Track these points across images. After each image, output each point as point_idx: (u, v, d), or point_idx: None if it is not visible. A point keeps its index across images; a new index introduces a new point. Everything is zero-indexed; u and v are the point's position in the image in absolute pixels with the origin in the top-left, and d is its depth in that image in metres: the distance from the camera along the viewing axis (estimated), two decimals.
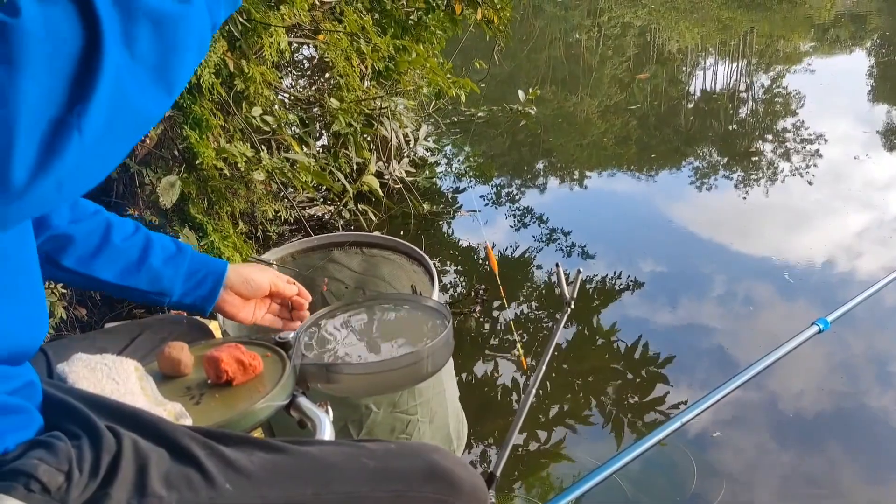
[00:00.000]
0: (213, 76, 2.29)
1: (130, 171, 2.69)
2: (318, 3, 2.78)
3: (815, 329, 1.68)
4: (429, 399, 1.20)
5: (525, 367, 2.34)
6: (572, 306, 1.10)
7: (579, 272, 1.22)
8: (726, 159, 5.37)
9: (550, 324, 3.12)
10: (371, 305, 1.03)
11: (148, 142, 2.47)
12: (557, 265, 1.23)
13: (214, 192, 2.42)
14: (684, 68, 9.20)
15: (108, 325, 2.30)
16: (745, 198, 4.64)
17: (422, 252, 1.32)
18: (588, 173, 5.29)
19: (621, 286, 3.51)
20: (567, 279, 1.28)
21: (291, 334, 0.95)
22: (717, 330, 3.14)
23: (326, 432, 0.84)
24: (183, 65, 0.63)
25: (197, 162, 2.33)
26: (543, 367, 1.20)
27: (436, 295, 1.20)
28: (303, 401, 0.89)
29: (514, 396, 2.74)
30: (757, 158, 5.35)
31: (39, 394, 0.78)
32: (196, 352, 0.95)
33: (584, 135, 6.33)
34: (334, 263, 1.40)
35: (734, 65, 9.39)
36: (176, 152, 2.52)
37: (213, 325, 1.35)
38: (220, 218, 2.53)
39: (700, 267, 3.72)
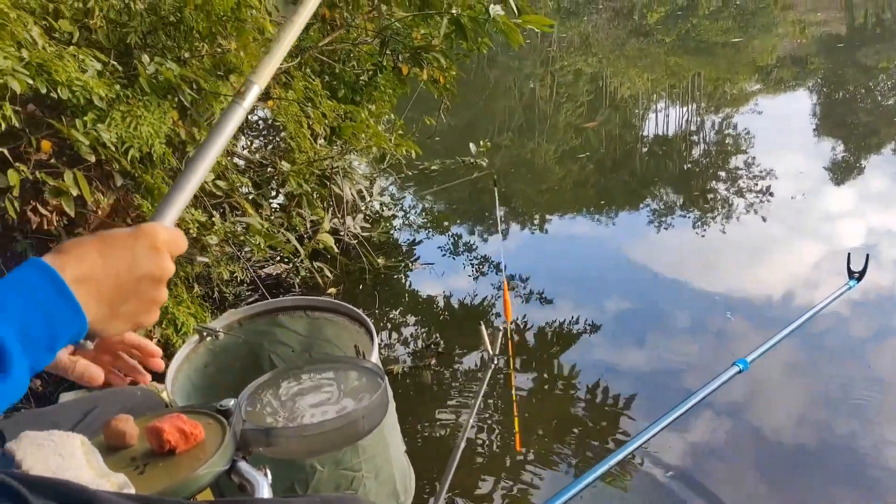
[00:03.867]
0: (163, 146, 2.35)
1: None
2: None
3: (735, 370, 1.76)
4: (373, 455, 1.24)
5: (519, 448, 2.37)
6: (496, 362, 1.16)
7: (500, 330, 1.28)
8: (682, 199, 5.55)
9: (502, 372, 3.18)
10: (310, 369, 1.08)
11: (100, 212, 2.50)
12: (481, 324, 1.29)
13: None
14: (637, 112, 9.51)
15: (63, 397, 2.29)
16: (702, 236, 4.79)
17: (361, 313, 1.37)
18: (548, 217, 5.41)
19: (579, 329, 3.59)
20: (496, 332, 1.33)
21: (233, 402, 0.99)
22: (674, 366, 3.22)
23: (264, 494, 0.88)
24: None
25: None
26: (471, 420, 1.25)
27: (375, 355, 1.25)
28: (242, 465, 0.93)
29: (478, 448, 2.77)
30: (711, 197, 5.53)
31: None
32: (140, 423, 0.98)
33: (542, 180, 6.48)
34: (280, 327, 1.45)
35: (684, 108, 9.73)
36: (129, 221, 2.55)
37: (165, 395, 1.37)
38: (174, 283, 2.55)
39: (657, 306, 3.82)
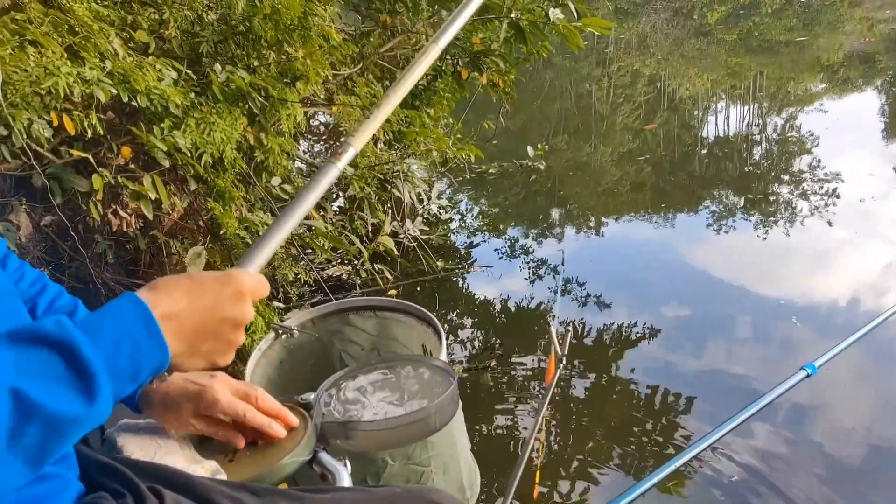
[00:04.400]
0: (234, 151, 2.44)
1: (158, 241, 2.83)
2: (330, 77, 2.95)
3: (802, 374, 1.74)
4: (441, 451, 1.28)
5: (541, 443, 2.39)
6: (563, 362, 1.18)
7: (568, 331, 1.30)
8: (743, 202, 5.44)
9: (561, 374, 3.19)
10: (384, 367, 1.12)
11: (174, 214, 2.61)
12: (549, 324, 1.32)
13: (238, 259, 2.55)
14: (696, 113, 9.35)
15: None
16: (764, 239, 4.70)
17: (430, 313, 1.41)
18: (604, 220, 5.38)
19: (638, 334, 3.56)
20: (566, 333, 1.35)
21: (312, 395, 1.04)
22: (735, 372, 3.17)
23: (346, 483, 0.93)
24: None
25: (221, 232, 2.46)
26: (540, 421, 1.28)
27: (443, 354, 1.29)
28: (323, 456, 0.98)
29: (535, 445, 2.79)
30: (774, 199, 5.41)
31: (75, 461, 0.86)
32: None
33: (598, 183, 6.44)
34: (350, 327, 1.50)
35: (746, 108, 9.52)
36: (201, 223, 2.66)
37: None
38: None
39: (717, 311, 3.77)
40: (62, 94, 1.93)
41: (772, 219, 5.06)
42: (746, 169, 6.62)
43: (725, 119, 9.03)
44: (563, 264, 2.47)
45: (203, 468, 0.90)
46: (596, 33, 3.25)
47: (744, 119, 8.97)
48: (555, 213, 5.56)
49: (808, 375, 1.74)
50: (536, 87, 10.93)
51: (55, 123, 2.13)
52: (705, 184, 6.14)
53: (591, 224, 5.35)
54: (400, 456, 1.24)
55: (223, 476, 0.90)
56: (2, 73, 1.81)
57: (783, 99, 9.52)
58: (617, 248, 4.87)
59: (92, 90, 1.96)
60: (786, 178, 5.97)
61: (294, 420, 0.99)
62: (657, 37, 14.90)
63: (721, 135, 8.20)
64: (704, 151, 7.46)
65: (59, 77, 1.91)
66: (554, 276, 4.25)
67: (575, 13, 3.23)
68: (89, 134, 2.08)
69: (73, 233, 2.55)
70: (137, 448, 0.92)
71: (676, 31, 15.35)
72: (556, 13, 3.03)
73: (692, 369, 3.24)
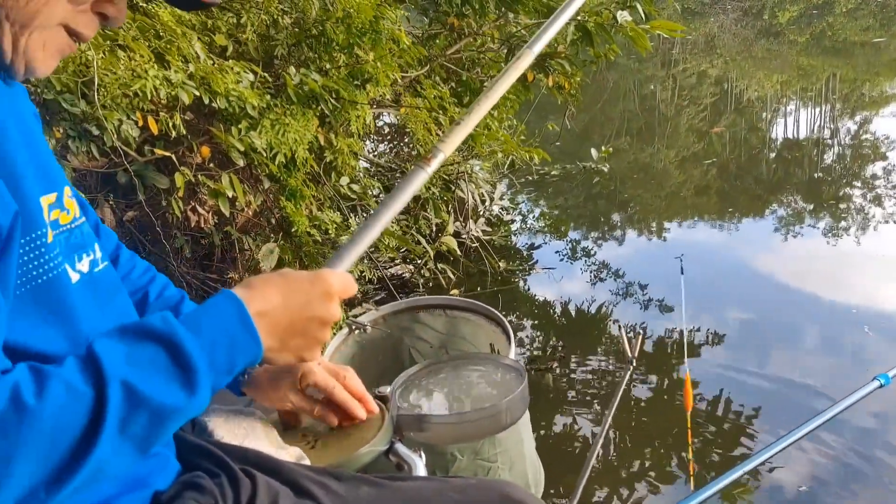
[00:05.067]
0: (306, 151, 2.53)
1: (231, 237, 2.94)
2: (399, 79, 3.01)
3: (875, 384, 1.70)
4: (508, 448, 1.31)
5: (692, 473, 2.37)
6: (634, 364, 1.19)
7: (640, 335, 1.31)
8: (812, 207, 5.30)
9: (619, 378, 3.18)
10: (455, 364, 1.16)
11: (248, 211, 2.71)
12: (620, 327, 1.33)
13: (307, 256, 2.63)
14: (764, 115, 9.12)
15: None
16: (834, 245, 4.57)
17: (499, 313, 1.45)
18: (666, 224, 5.31)
19: (701, 339, 3.52)
20: (637, 336, 1.36)
21: (388, 388, 1.09)
22: (802, 383, 3.10)
23: (420, 473, 0.98)
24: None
25: (292, 230, 2.55)
26: (608, 422, 1.29)
27: (512, 353, 1.32)
28: (399, 447, 1.03)
29: (598, 449, 2.78)
30: (845, 205, 5.24)
31: (172, 442, 0.93)
32: None
33: (661, 186, 6.36)
34: (420, 324, 1.55)
35: (817, 111, 9.24)
36: (272, 220, 2.76)
37: None
38: None
39: (784, 318, 3.68)
40: (149, 96, 2.04)
41: (842, 225, 4.90)
42: (817, 174, 6.42)
43: (795, 122, 8.78)
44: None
45: (288, 453, 0.95)
46: (661, 34, 3.22)
47: (815, 122, 8.71)
48: (616, 216, 5.51)
49: (881, 386, 1.70)
50: (599, 87, 10.82)
51: (140, 123, 2.25)
52: (773, 188, 5.99)
53: (654, 227, 5.29)
54: (468, 451, 1.27)
55: (307, 461, 0.95)
56: (96, 76, 1.92)
57: (857, 101, 9.19)
58: (680, 252, 4.80)
59: (176, 92, 2.06)
60: (858, 183, 5.78)
61: (374, 407, 1.04)
62: (725, 37, 14.56)
63: (790, 138, 7.98)
64: (773, 155, 7.27)
65: (146, 80, 2.01)
66: (615, 279, 4.22)
67: (643, 15, 3.21)
68: (173, 134, 2.19)
69: (153, 228, 2.68)
70: (226, 432, 0.98)
71: (745, 31, 14.96)
72: (623, 16, 3.02)
73: (757, 376, 3.17)
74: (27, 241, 0.72)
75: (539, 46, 1.14)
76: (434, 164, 1.02)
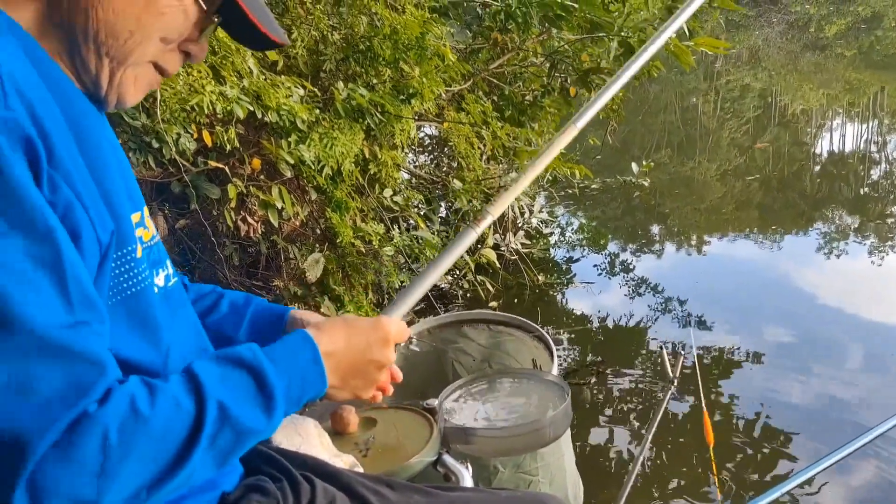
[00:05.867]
0: (352, 164, 2.59)
1: (277, 246, 3.02)
2: (443, 93, 3.07)
3: None
4: (549, 463, 1.34)
5: (720, 489, 2.37)
6: (675, 384, 1.22)
7: (681, 356, 1.33)
8: (857, 224, 5.21)
9: (658, 394, 3.17)
10: (499, 378, 1.20)
11: (294, 221, 2.79)
12: (661, 348, 1.36)
13: (351, 266, 2.70)
14: (809, 130, 8.98)
15: None
16: (879, 265, 4.49)
17: (542, 329, 1.48)
18: (706, 238, 5.27)
19: (741, 357, 3.49)
20: (678, 355, 1.38)
21: (436, 401, 1.14)
22: (844, 403, 3.06)
23: (467, 483, 1.02)
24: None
25: (337, 240, 2.62)
26: (648, 441, 1.32)
27: (555, 369, 1.35)
28: (447, 458, 1.07)
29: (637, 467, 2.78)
30: (893, 222, 5.14)
31: None
32: (360, 414, 1.15)
33: (701, 199, 6.31)
34: (464, 338, 1.59)
35: (864, 126, 9.06)
36: (318, 230, 2.83)
37: None
38: (355, 289, 2.79)
39: (828, 337, 3.63)
40: (205, 111, 2.12)
41: (889, 244, 4.81)
42: (863, 190, 6.31)
43: (841, 137, 8.63)
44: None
45: (342, 460, 1.00)
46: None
47: (861, 137, 8.55)
48: (655, 229, 5.49)
49: None
50: (640, 99, 10.75)
51: (195, 136, 2.34)
52: (817, 204, 5.90)
53: (693, 241, 5.26)
54: (511, 463, 1.31)
55: (360, 469, 1.00)
56: (158, 91, 2.01)
57: None
58: (720, 268, 4.76)
59: (231, 107, 2.14)
60: None
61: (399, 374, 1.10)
62: (770, 50, 14.37)
63: (836, 153, 7.85)
64: (817, 169, 7.17)
65: (203, 95, 2.10)
66: (654, 294, 4.21)
67: (686, 31, 3.21)
68: (228, 147, 2.27)
69: (204, 236, 2.77)
70: (284, 438, 1.04)
71: (791, 44, 14.74)
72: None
73: (797, 396, 3.14)
74: (120, 255, 0.79)
75: (583, 122, 1.21)
76: (483, 225, 1.12)
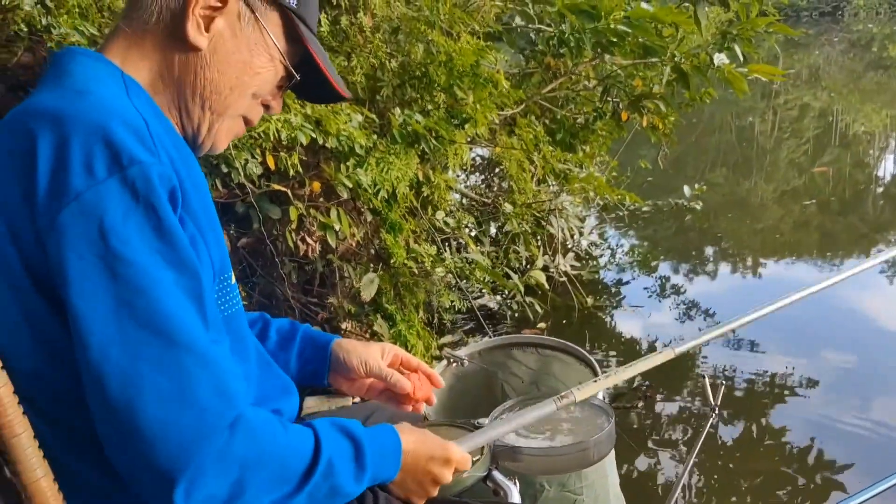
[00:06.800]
0: (406, 188, 2.69)
1: (333, 265, 3.13)
2: (496, 119, 3.14)
3: None
4: (593, 483, 1.39)
5: None
6: (717, 411, 1.25)
7: (721, 383, 1.36)
8: None
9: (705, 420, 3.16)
10: (549, 400, 1.26)
11: (350, 241, 2.89)
12: (704, 376, 1.40)
13: (403, 286, 2.79)
14: (871, 151, 8.76)
15: (307, 401, 2.72)
16: None
17: (588, 355, 1.53)
18: (762, 261, 5.19)
19: (794, 383, 3.44)
20: (717, 384, 1.41)
21: (486, 420, 1.20)
22: None
23: (515, 500, 1.08)
24: None
25: (391, 261, 2.71)
26: (688, 467, 1.35)
27: (600, 394, 1.39)
28: (496, 474, 1.14)
29: (679, 491, 2.77)
30: None
31: None
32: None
33: (758, 220, 6.22)
34: (513, 360, 1.65)
35: None
36: (373, 251, 2.93)
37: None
38: (407, 308, 2.88)
39: (888, 364, 3.55)
40: (271, 137, 2.25)
41: None
42: None
43: None
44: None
45: None
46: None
47: None
48: (709, 251, 5.44)
49: None
50: (695, 118, 10.64)
51: (260, 161, 2.47)
52: (879, 227, 5.76)
53: (749, 264, 5.19)
54: (556, 483, 1.36)
55: None
56: None
57: None
58: (775, 292, 4.67)
59: (295, 134, 2.26)
60: None
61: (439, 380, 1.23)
62: (830, 69, 14.06)
63: None
64: (880, 191, 6.99)
65: (270, 122, 2.22)
66: (704, 318, 4.18)
67: (741, 57, 3.23)
68: (291, 172, 2.39)
69: (264, 254, 2.90)
70: None
71: (853, 63, 14.40)
72: (720, 58, 3.05)
73: (854, 426, 3.08)
74: (221, 280, 0.92)
75: (682, 349, 1.27)
76: (564, 402, 1.18)
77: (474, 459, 1.11)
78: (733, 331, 1.57)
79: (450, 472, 1.04)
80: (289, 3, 0.95)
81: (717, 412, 1.21)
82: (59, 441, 0.83)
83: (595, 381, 1.19)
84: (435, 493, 1.05)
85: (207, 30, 0.90)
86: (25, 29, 2.11)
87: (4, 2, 2.03)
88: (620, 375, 1.22)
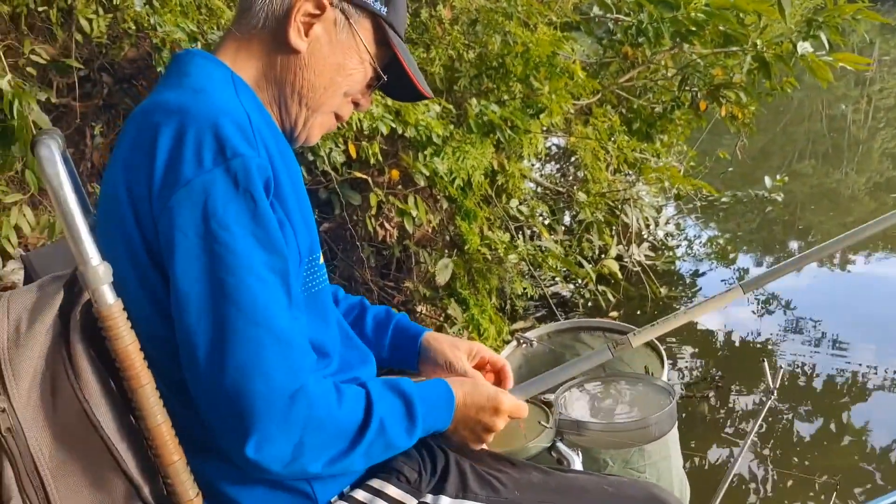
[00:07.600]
0: (481, 176, 2.76)
1: (409, 250, 3.24)
2: (571, 109, 3.18)
3: None
4: (656, 461, 1.43)
5: None
6: (774, 395, 1.27)
7: (780, 368, 1.37)
8: None
9: (784, 416, 3.11)
10: (612, 379, 1.32)
11: (426, 227, 3.00)
12: (763, 360, 1.42)
13: (477, 271, 2.87)
14: None
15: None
16: None
17: (655, 340, 1.57)
18: (851, 256, 5.01)
19: (878, 381, 3.35)
20: (777, 369, 1.41)
21: (553, 396, 1.28)
22: None
23: (578, 468, 1.16)
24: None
25: (465, 247, 2.80)
26: (745, 447, 1.38)
27: (664, 376, 1.44)
28: (560, 445, 1.22)
29: (752, 486, 2.76)
30: None
31: None
32: None
33: (847, 213, 5.98)
34: (580, 343, 1.71)
35: None
36: (448, 237, 3.02)
37: None
38: (480, 293, 2.96)
39: None
40: (353, 128, 2.37)
41: None
42: None
43: None
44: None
45: None
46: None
47: None
48: (793, 244, 5.28)
49: None
50: (782, 105, 10.23)
51: (343, 150, 2.60)
52: None
53: (836, 259, 5.02)
54: (620, 459, 1.42)
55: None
56: None
57: None
58: (863, 288, 4.52)
59: (377, 125, 2.37)
60: None
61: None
62: None
63: None
64: None
65: (354, 113, 2.34)
66: (784, 311, 4.10)
67: (827, 46, 3.14)
68: (371, 161, 2.51)
69: (345, 238, 3.04)
70: None
71: None
72: (804, 47, 2.98)
73: None
74: (310, 260, 1.02)
75: (751, 285, 1.28)
76: (620, 349, 1.24)
77: (541, 427, 1.19)
78: (798, 270, 1.52)
79: (501, 421, 1.10)
80: (380, 11, 1.05)
81: (774, 395, 1.24)
82: (173, 394, 0.95)
83: (652, 325, 1.23)
84: (489, 439, 1.12)
85: (307, 35, 1.01)
86: (133, 27, 2.30)
87: (116, 1, 2.22)
88: (680, 318, 1.24)
